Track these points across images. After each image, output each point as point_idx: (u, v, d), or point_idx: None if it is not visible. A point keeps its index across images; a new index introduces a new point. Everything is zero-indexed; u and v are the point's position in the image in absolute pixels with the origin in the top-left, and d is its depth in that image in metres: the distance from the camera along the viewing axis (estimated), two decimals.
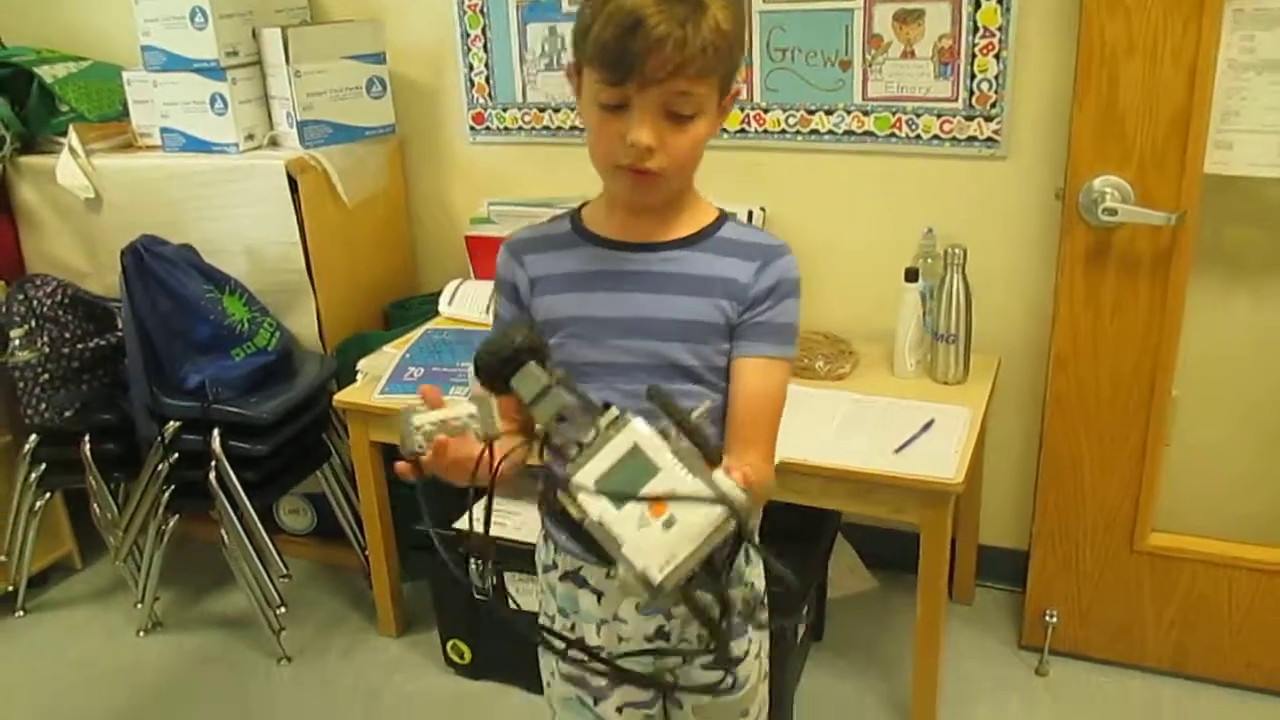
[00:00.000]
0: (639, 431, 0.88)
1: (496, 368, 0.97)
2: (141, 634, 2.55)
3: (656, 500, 0.84)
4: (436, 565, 2.23)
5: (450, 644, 2.31)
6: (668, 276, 1.24)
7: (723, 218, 1.29)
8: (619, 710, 1.40)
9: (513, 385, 0.95)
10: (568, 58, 1.20)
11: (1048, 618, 2.27)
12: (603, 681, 1.38)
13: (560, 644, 1.30)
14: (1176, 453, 2.20)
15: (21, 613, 2.66)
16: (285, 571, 2.44)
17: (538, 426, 0.95)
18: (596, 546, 0.87)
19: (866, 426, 2.00)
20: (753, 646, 1.40)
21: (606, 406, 0.90)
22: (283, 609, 2.43)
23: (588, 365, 1.24)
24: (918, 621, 1.96)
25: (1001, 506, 2.47)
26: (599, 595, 1.35)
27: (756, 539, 0.91)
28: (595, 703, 1.40)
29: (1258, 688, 2.18)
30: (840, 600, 2.49)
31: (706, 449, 0.89)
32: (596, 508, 0.86)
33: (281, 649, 2.43)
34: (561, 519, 1.07)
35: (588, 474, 0.87)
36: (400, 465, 1.10)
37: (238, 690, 2.35)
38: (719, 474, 0.87)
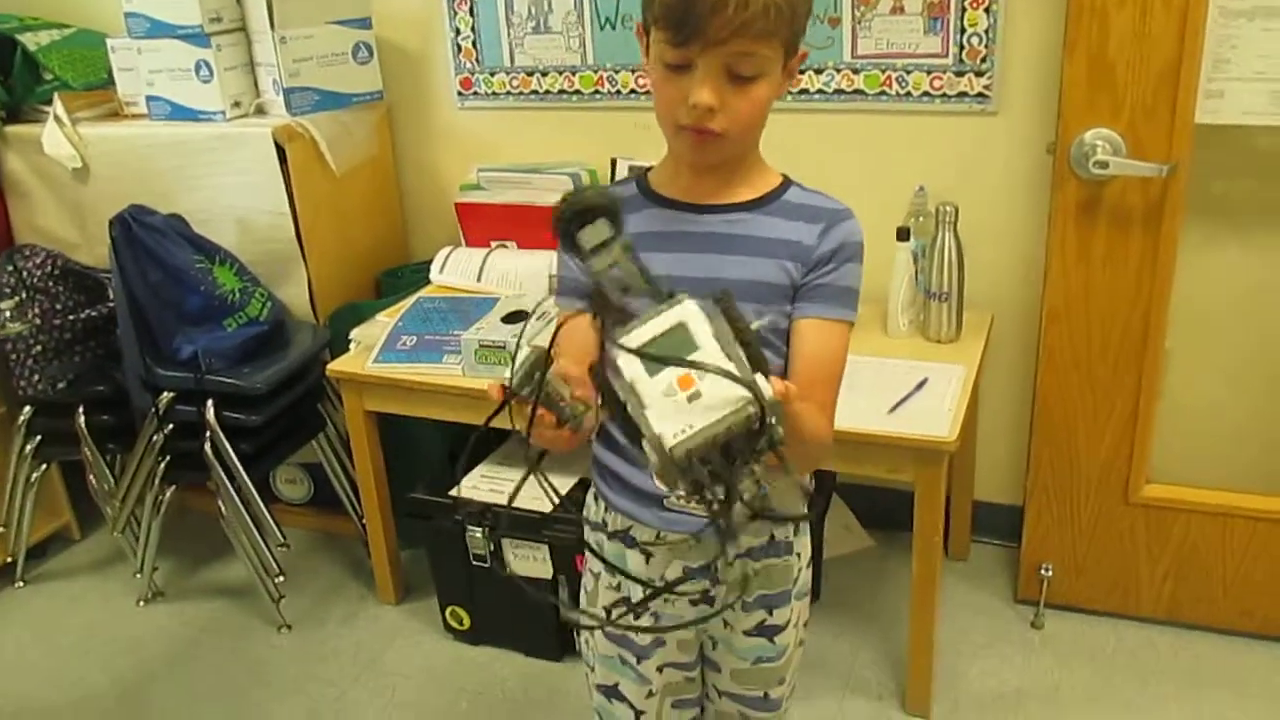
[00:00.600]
0: (689, 310, 0.89)
1: (571, 215, 0.96)
2: (141, 604, 2.56)
3: (686, 372, 0.85)
4: (433, 532, 2.24)
5: (449, 610, 2.32)
6: (734, 238, 1.24)
7: (788, 182, 1.28)
8: (659, 670, 1.42)
9: (580, 239, 0.95)
10: (636, 17, 1.19)
11: (1043, 572, 2.28)
12: (647, 640, 1.40)
13: (595, 620, 1.33)
14: (1170, 405, 2.21)
15: (21, 584, 2.67)
16: (283, 540, 2.44)
17: (594, 282, 0.93)
18: (633, 430, 0.88)
19: (860, 387, 2.00)
20: (794, 615, 1.42)
21: (671, 294, 0.91)
22: (281, 578, 2.44)
23: None
24: (913, 578, 1.97)
25: (996, 462, 2.48)
26: (647, 556, 1.35)
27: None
28: (638, 661, 1.41)
29: (1251, 634, 2.20)
30: (837, 559, 2.51)
31: (755, 354, 0.89)
32: (631, 370, 0.87)
33: (281, 617, 2.44)
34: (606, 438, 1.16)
35: (632, 338, 0.88)
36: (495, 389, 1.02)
37: (238, 658, 2.36)
38: (758, 374, 0.87)
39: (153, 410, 2.33)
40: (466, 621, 2.31)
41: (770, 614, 1.38)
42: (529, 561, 2.15)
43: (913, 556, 1.96)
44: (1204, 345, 2.22)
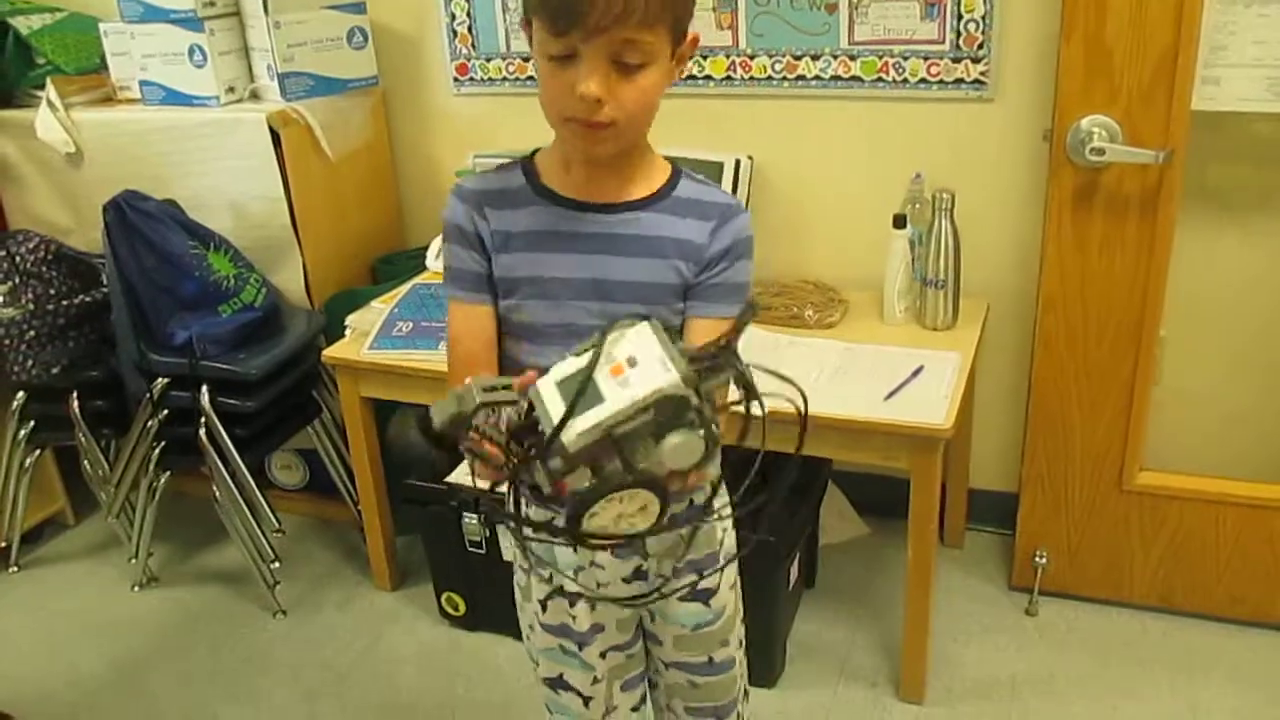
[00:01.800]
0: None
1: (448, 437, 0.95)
2: (136, 589, 2.56)
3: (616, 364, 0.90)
4: (428, 518, 2.24)
5: (445, 596, 2.32)
6: (626, 238, 1.23)
7: (676, 173, 1.26)
8: (602, 655, 1.42)
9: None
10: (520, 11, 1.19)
11: (1037, 559, 2.29)
12: (585, 627, 1.40)
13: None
14: (1165, 393, 2.22)
15: (15, 569, 2.67)
16: (278, 526, 2.44)
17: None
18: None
19: (856, 374, 2.00)
20: (725, 579, 1.42)
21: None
22: (276, 563, 2.44)
23: (547, 326, 1.24)
24: (908, 565, 1.98)
25: (991, 450, 2.48)
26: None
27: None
28: (579, 648, 1.41)
29: (1244, 620, 2.21)
30: (832, 547, 2.51)
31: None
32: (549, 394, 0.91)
33: (276, 603, 2.44)
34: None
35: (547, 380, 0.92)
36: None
37: (233, 643, 2.36)
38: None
39: (147, 396, 2.32)
40: (462, 607, 2.31)
41: (701, 577, 1.38)
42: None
43: (908, 544, 1.96)
44: (1200, 333, 2.22)
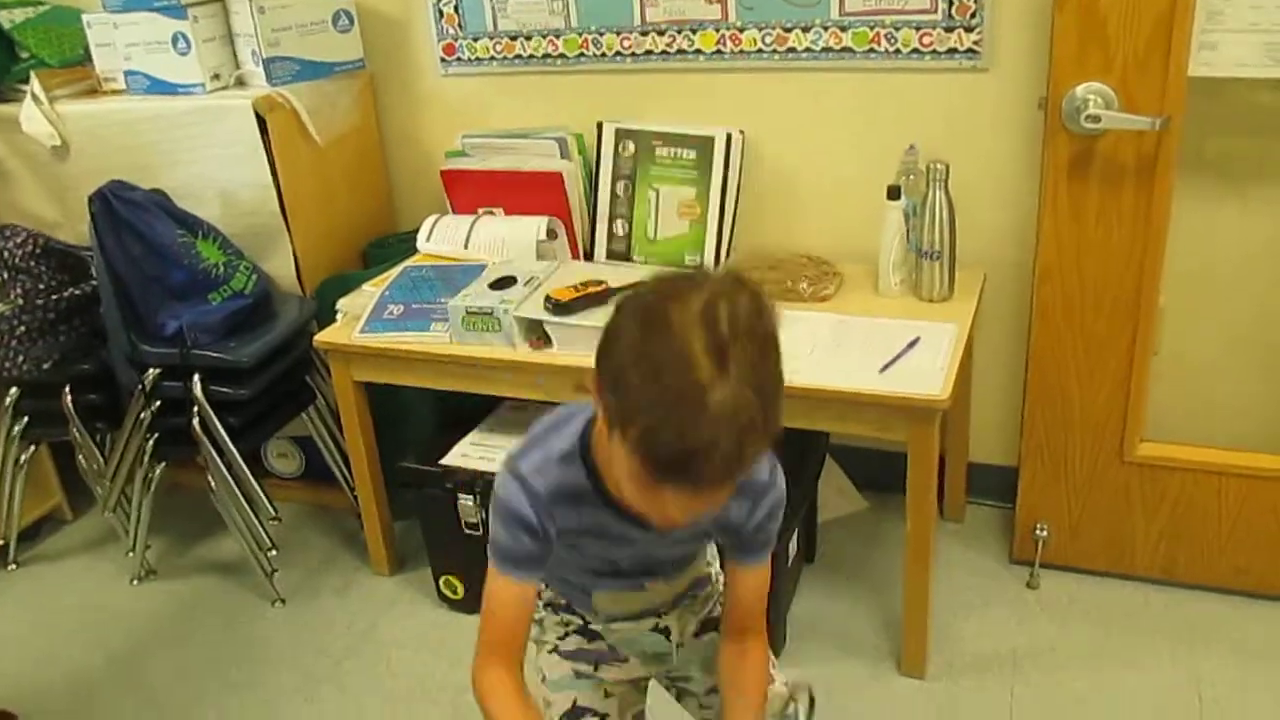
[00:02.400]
0: None
1: None
2: (135, 582, 2.55)
3: None
4: (424, 500, 2.23)
5: (443, 580, 2.31)
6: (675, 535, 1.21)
7: None
8: (615, 683, 1.46)
9: None
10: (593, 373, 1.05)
11: (1038, 532, 2.27)
12: (603, 648, 1.44)
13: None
14: (1165, 364, 2.19)
15: (14, 566, 2.66)
16: (275, 514, 2.43)
17: None
18: None
19: (851, 346, 1.98)
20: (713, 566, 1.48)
21: None
22: (274, 552, 2.43)
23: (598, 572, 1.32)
24: (907, 539, 1.96)
25: (990, 423, 2.46)
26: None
27: None
28: (595, 669, 1.44)
29: (1246, 591, 2.19)
30: (831, 523, 2.50)
31: None
32: None
33: (275, 591, 2.43)
34: None
35: None
36: None
37: (232, 633, 2.36)
38: None
39: (139, 387, 2.31)
40: (460, 590, 2.30)
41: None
42: None
43: (906, 517, 1.95)
44: (1200, 303, 2.20)
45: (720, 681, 1.37)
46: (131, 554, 2.54)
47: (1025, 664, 2.08)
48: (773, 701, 1.33)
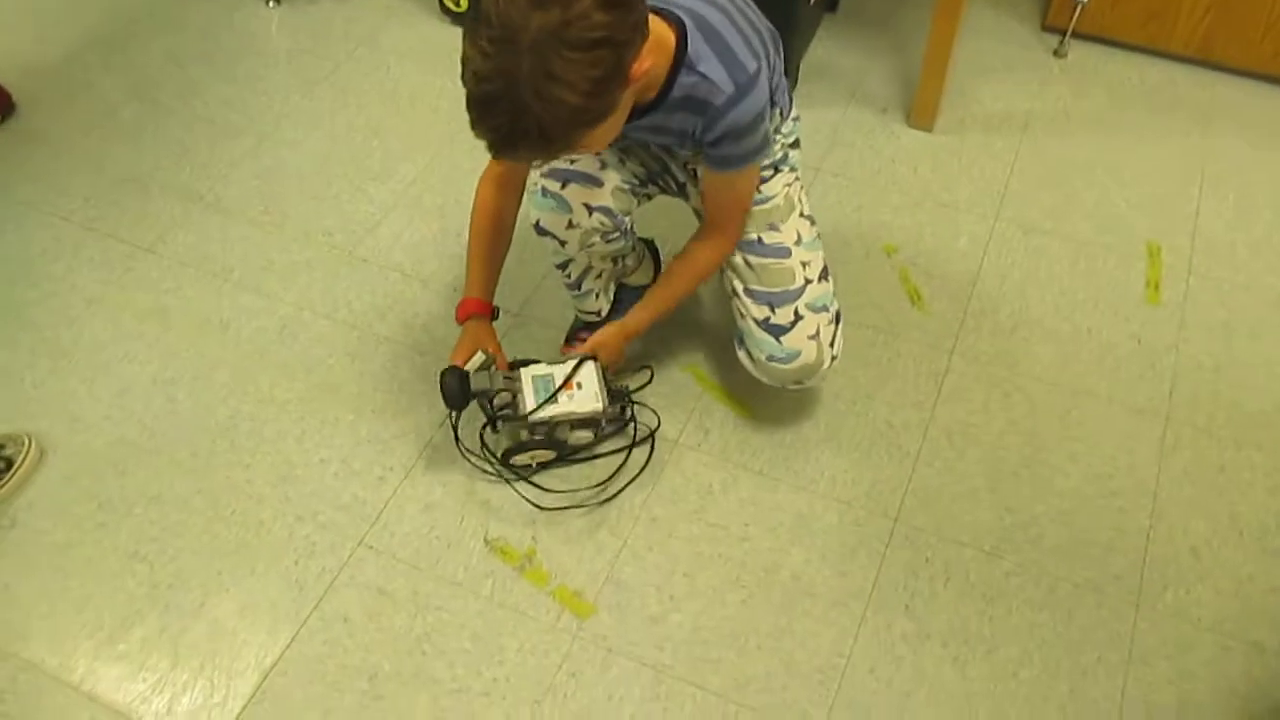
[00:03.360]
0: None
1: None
2: None
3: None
4: None
5: None
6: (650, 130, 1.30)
7: (675, 70, 1.19)
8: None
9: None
10: None
11: None
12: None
13: None
14: None
15: None
16: None
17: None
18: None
19: None
20: (780, 176, 1.46)
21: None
22: None
23: None
24: None
25: None
26: None
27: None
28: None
29: (1277, 78, 2.11)
30: None
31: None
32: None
33: None
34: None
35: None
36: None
37: (228, 27, 2.27)
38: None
39: None
40: (464, 2, 2.19)
41: None
42: None
43: None
44: None
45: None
46: None
47: (1035, 126, 2.04)
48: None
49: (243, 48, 2.22)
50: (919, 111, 2.03)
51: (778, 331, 1.42)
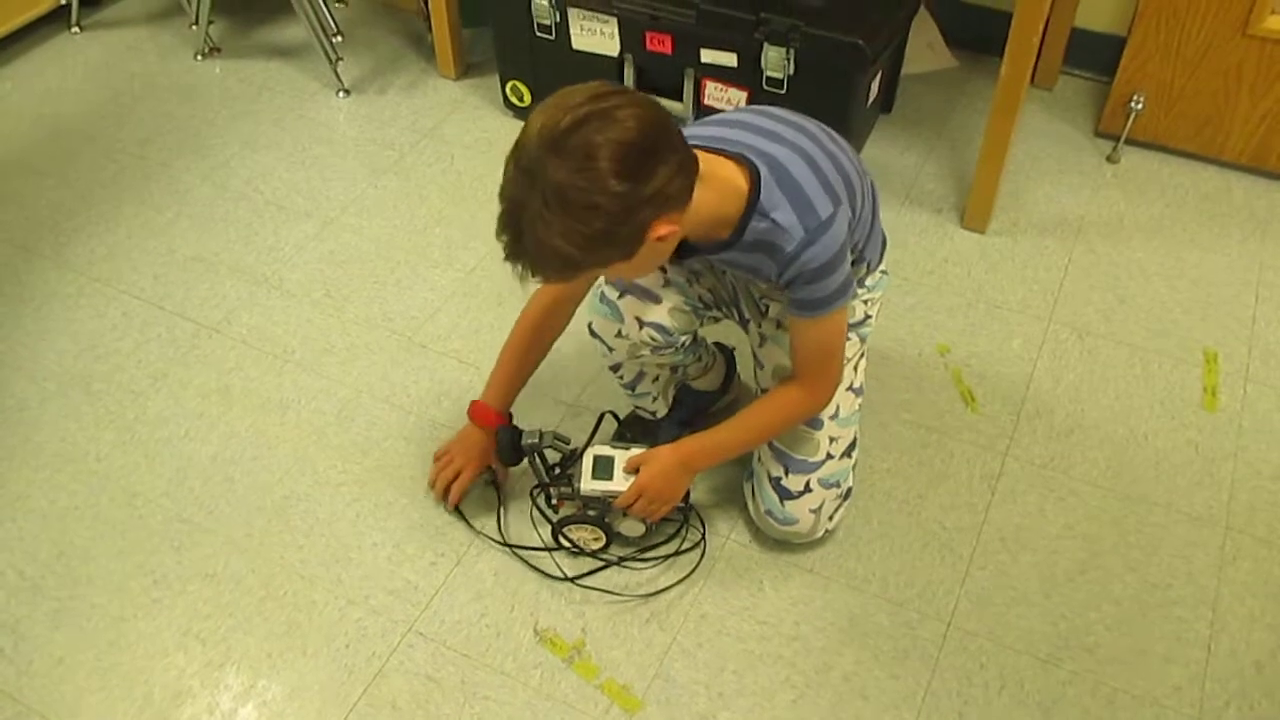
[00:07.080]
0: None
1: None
2: (199, 57, 2.52)
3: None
4: (498, 5, 2.12)
5: (510, 85, 2.26)
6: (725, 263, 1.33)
7: (746, 216, 1.21)
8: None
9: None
10: None
11: (1133, 104, 2.16)
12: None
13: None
14: None
15: (77, 29, 2.61)
16: None
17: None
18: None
19: None
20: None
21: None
22: (339, 38, 2.38)
23: None
24: (997, 90, 1.86)
25: None
26: None
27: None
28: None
29: None
30: (915, 76, 2.39)
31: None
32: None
33: (339, 80, 2.40)
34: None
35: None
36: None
37: (298, 116, 2.35)
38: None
39: None
40: (527, 97, 2.25)
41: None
42: (596, 37, 2.05)
43: (1002, 65, 1.83)
44: None
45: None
46: (195, 27, 2.49)
47: (1089, 231, 2.05)
48: None
49: (312, 137, 2.29)
50: (973, 213, 2.05)
51: (784, 494, 1.45)
